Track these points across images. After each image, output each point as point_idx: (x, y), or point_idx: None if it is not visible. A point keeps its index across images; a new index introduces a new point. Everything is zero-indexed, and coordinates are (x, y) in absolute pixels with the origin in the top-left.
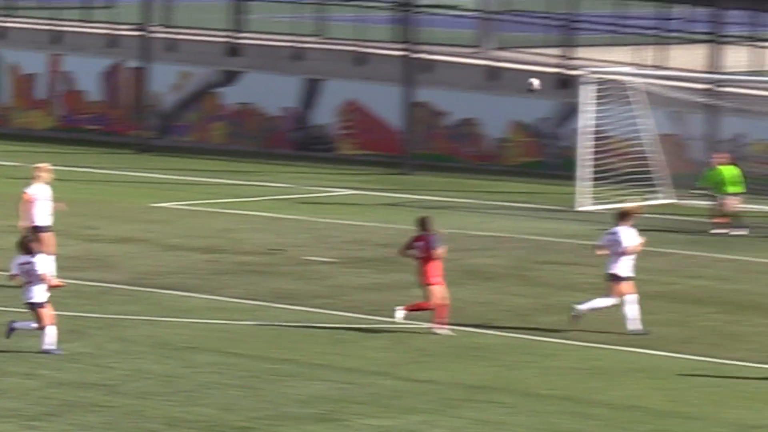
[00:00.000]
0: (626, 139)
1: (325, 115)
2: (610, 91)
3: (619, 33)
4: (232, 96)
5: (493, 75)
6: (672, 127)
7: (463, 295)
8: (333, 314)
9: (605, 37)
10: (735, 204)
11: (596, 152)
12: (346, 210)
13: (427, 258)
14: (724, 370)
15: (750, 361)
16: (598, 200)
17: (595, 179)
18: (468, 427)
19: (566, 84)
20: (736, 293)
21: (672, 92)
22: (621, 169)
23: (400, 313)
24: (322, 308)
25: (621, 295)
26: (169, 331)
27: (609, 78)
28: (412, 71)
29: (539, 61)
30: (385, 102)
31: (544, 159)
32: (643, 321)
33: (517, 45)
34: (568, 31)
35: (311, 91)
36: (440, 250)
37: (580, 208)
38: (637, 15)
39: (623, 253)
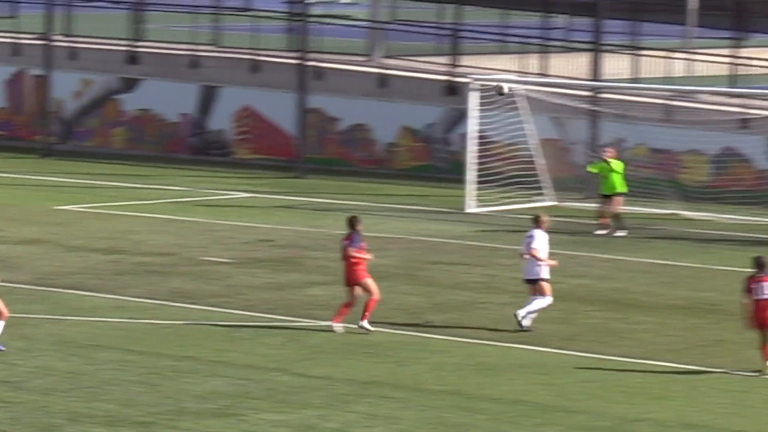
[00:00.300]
0: (511, 144)
1: (222, 121)
2: (496, 98)
3: (504, 42)
4: (131, 102)
5: (384, 82)
6: (554, 132)
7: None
8: (230, 313)
9: (491, 46)
10: (619, 205)
11: (483, 156)
12: (242, 212)
13: (349, 257)
14: (607, 366)
15: (631, 357)
16: (486, 203)
17: (483, 182)
18: (360, 422)
19: (454, 91)
20: (617, 292)
21: (554, 98)
22: (507, 173)
23: (365, 323)
24: (219, 307)
25: (548, 293)
26: (71, 330)
27: (494, 85)
28: (306, 79)
29: (428, 68)
30: (279, 108)
31: (434, 163)
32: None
33: (406, 53)
34: (456, 39)
35: (208, 98)
36: (355, 249)
37: (469, 210)
38: (521, 24)
39: (534, 255)
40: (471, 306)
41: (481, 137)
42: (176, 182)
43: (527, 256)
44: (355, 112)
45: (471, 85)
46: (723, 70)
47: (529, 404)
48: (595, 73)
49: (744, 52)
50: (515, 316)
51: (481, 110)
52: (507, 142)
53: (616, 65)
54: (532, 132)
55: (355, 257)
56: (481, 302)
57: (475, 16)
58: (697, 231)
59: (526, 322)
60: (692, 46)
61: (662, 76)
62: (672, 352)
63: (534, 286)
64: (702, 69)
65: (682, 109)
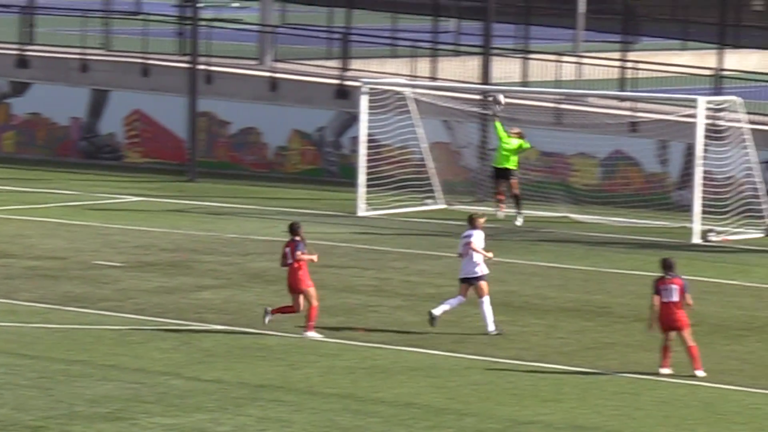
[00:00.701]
0: (402, 147)
1: (112, 124)
2: (387, 101)
3: (394, 45)
4: (21, 106)
5: (274, 86)
6: (445, 136)
7: (246, 297)
8: (121, 317)
9: (382, 50)
10: (516, 187)
11: (374, 160)
12: (133, 216)
13: (295, 263)
14: (498, 368)
15: (522, 359)
16: (377, 206)
17: (374, 186)
18: (252, 425)
19: (345, 94)
20: (508, 294)
21: (444, 102)
22: (398, 176)
23: (311, 334)
24: (111, 311)
25: (486, 292)
26: None
27: (385, 88)
28: (196, 82)
29: (318, 72)
30: (169, 112)
31: (324, 166)
32: (420, 322)
33: (297, 57)
34: (346, 43)
35: (98, 102)
36: (302, 255)
37: (361, 214)
38: (411, 28)
39: (474, 251)
40: (362, 309)
41: (371, 141)
42: (67, 186)
43: (467, 255)
44: (246, 116)
45: (362, 89)
46: (612, 74)
47: (420, 407)
48: (485, 76)
49: (633, 55)
50: (489, 334)
51: (372, 114)
52: (398, 145)
53: (505, 69)
54: (422, 135)
55: (301, 260)
56: (372, 305)
57: (365, 20)
58: (587, 234)
59: (491, 328)
60: (581, 50)
61: (552, 79)
62: (562, 355)
63: (471, 285)
64: (591, 73)
65: (572, 112)
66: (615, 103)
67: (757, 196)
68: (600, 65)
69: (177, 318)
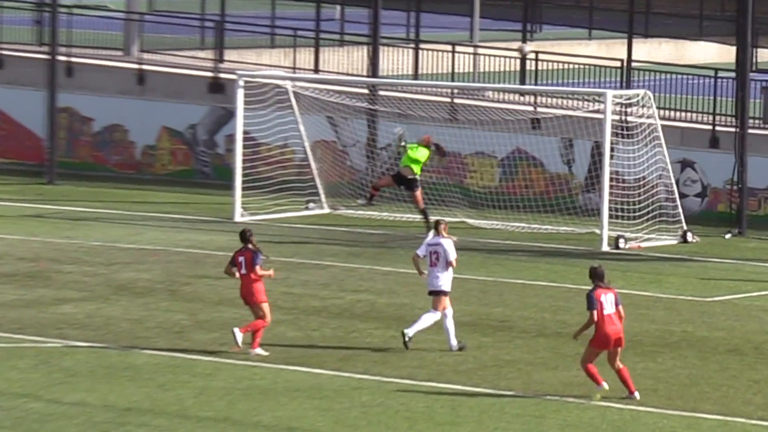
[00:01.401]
0: (283, 146)
1: None
2: (266, 96)
3: (273, 35)
4: None
5: (142, 79)
6: (328, 134)
7: (112, 311)
8: None
9: (259, 40)
10: (419, 200)
11: (253, 160)
12: None
13: (251, 274)
14: (389, 388)
15: (415, 379)
16: (256, 210)
17: (253, 188)
18: None
19: (219, 88)
20: (399, 308)
21: (329, 96)
22: (278, 178)
23: (258, 351)
24: None
25: (444, 308)
26: None
27: (263, 82)
28: (56, 75)
29: (190, 64)
30: (26, 107)
31: (198, 167)
32: (303, 338)
33: (166, 47)
34: (221, 32)
35: None
36: (261, 270)
37: (239, 219)
38: (292, 16)
39: (449, 265)
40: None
41: (249, 139)
42: None
43: (435, 265)
44: (111, 112)
45: (238, 82)
46: (512, 66)
47: (304, 431)
48: (373, 68)
49: (534, 45)
50: (451, 349)
51: (249, 109)
52: (278, 144)
53: (395, 60)
54: (304, 133)
55: (258, 275)
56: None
57: (241, 7)
58: (485, 240)
59: (454, 342)
60: (478, 40)
61: (446, 72)
62: (459, 374)
63: (437, 298)
64: (489, 64)
65: (468, 107)
66: (515, 97)
67: (672, 199)
68: (499, 56)
69: (35, 334)
